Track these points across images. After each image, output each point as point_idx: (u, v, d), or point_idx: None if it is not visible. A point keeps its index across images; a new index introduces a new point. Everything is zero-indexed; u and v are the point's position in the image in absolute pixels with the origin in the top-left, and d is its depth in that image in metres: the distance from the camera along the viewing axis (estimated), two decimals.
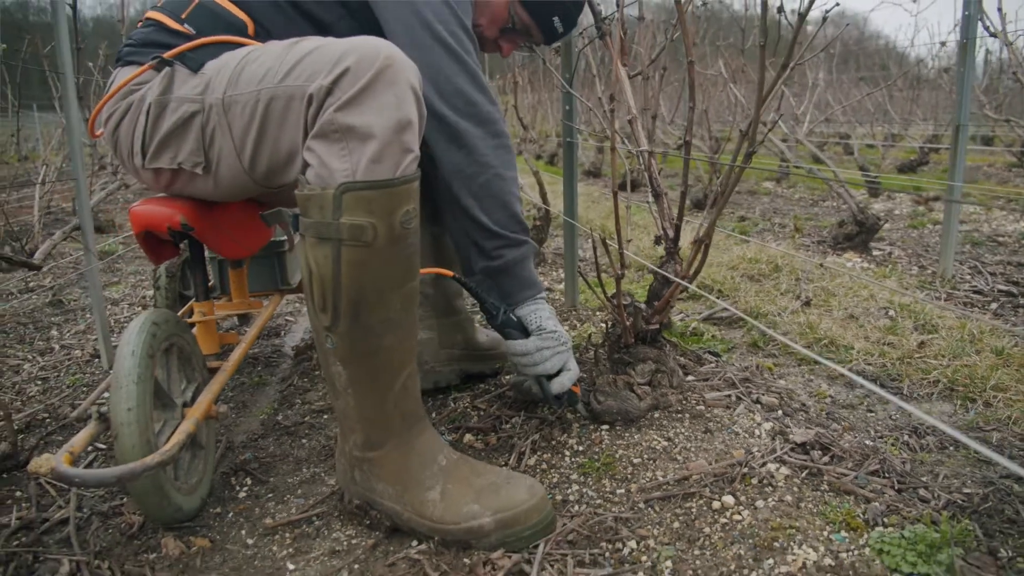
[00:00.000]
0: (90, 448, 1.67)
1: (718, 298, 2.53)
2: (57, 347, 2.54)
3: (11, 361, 2.41)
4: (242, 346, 1.70)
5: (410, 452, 1.24)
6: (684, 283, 1.43)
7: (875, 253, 3.35)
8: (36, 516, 1.38)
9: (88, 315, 2.93)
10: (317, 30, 1.43)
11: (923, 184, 5.87)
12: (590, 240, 3.78)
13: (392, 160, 1.08)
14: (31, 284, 3.68)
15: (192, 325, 1.67)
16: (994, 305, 2.44)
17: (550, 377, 1.48)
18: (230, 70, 1.25)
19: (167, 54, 1.31)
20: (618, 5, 1.68)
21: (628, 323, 1.50)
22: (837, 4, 1.53)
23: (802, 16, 1.17)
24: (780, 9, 3.41)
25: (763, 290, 2.59)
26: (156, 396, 1.32)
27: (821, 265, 2.87)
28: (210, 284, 2.06)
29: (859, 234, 3.38)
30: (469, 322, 1.87)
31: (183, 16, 1.39)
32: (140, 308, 3.01)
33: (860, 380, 0.93)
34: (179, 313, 1.97)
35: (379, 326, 1.17)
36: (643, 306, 1.54)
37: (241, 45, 1.34)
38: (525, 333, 1.47)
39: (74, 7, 2.13)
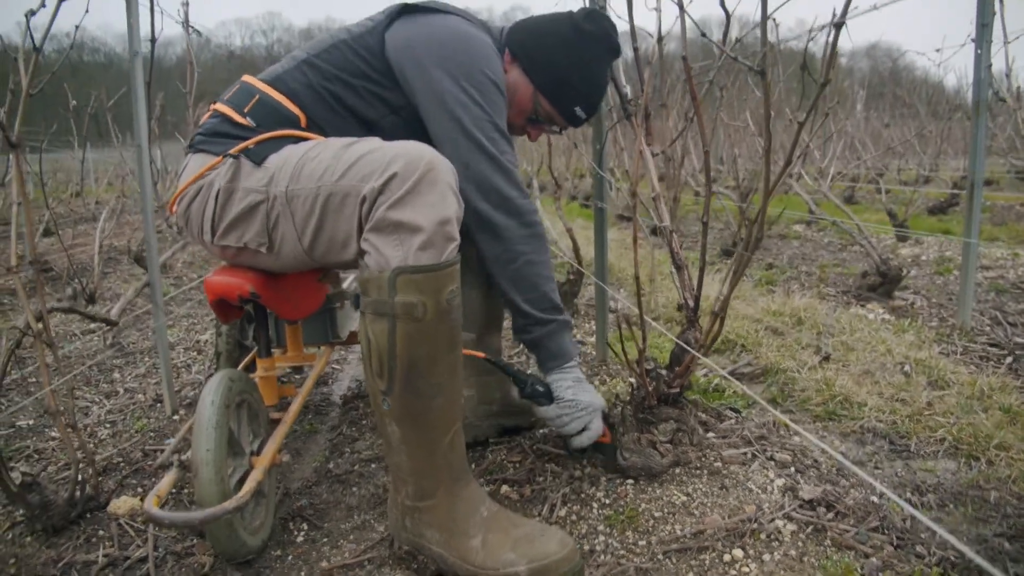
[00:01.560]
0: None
1: (741, 352, 2.66)
2: (121, 390, 2.74)
3: (80, 403, 2.61)
4: (299, 398, 1.88)
5: (456, 502, 1.41)
6: (700, 355, 1.57)
7: (898, 303, 3.44)
8: (119, 554, 1.55)
9: (147, 358, 3.14)
10: (363, 124, 1.65)
11: (952, 228, 5.94)
12: (622, 290, 3.93)
13: (437, 248, 1.29)
14: (91, 326, 3.92)
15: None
16: (1009, 359, 2.53)
17: (573, 436, 1.67)
18: (292, 165, 1.45)
19: (233, 150, 1.51)
20: (642, 89, 1.84)
21: (651, 388, 1.65)
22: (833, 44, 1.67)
23: (822, 86, 1.32)
24: (804, 67, 3.55)
25: (785, 344, 2.71)
26: (229, 444, 1.49)
27: (839, 320, 2.98)
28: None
29: (882, 284, 3.49)
30: (506, 381, 2.02)
31: (246, 110, 1.59)
32: (195, 352, 3.21)
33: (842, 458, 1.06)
34: (241, 364, 2.16)
35: (429, 389, 1.35)
36: (664, 372, 1.68)
37: (298, 139, 1.55)
38: (550, 397, 1.67)
39: (149, 84, 2.33)
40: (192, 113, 3.44)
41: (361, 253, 1.34)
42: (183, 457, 1.47)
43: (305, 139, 1.54)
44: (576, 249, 3.05)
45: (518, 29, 1.79)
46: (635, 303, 1.71)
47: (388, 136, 1.64)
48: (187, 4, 2.79)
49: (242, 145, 1.51)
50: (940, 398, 2.13)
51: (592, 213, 2.46)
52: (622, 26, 2.00)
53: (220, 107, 1.62)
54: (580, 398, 1.65)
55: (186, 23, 2.83)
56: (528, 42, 1.75)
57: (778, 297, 3.46)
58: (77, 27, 1.82)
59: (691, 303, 1.71)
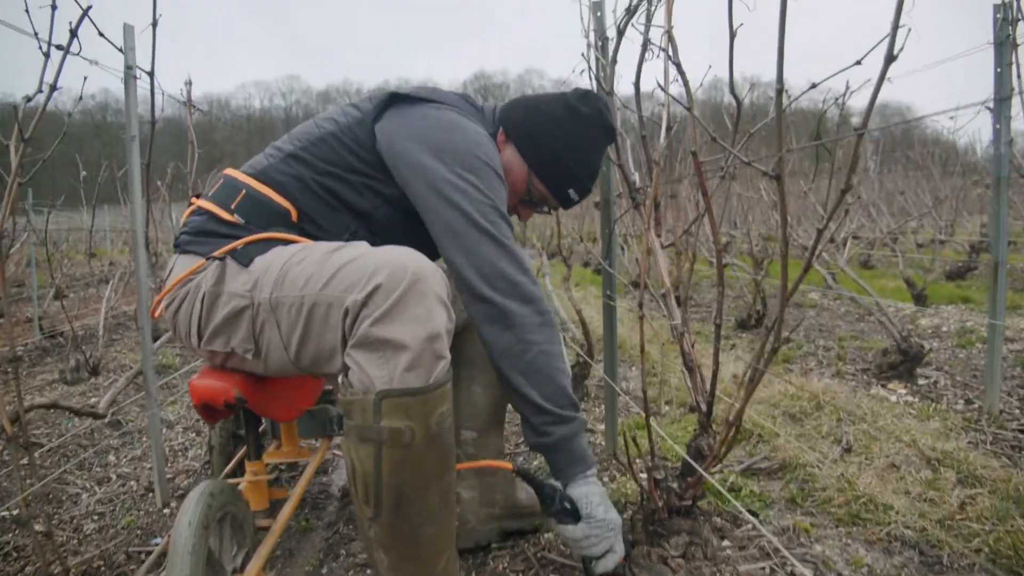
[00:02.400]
0: None
1: (758, 443, 2.54)
2: (114, 476, 2.65)
3: (70, 489, 2.52)
4: (290, 504, 1.77)
5: None
6: (711, 472, 1.47)
7: (920, 382, 3.32)
8: None
9: (144, 438, 3.05)
10: (357, 216, 1.58)
11: (971, 295, 5.81)
12: (633, 368, 3.82)
13: (425, 368, 1.21)
14: (92, 399, 3.85)
15: (242, 482, 1.76)
16: None
17: (598, 559, 1.53)
18: (276, 271, 1.38)
19: (218, 252, 1.44)
20: (651, 178, 1.77)
21: (661, 502, 1.54)
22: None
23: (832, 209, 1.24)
24: (817, 137, 3.50)
25: (804, 433, 2.59)
26: (208, 564, 1.39)
27: (860, 405, 2.86)
28: (261, 429, 2.15)
29: (903, 363, 3.37)
30: (509, 481, 1.92)
31: (232, 206, 1.53)
32: (194, 434, 3.12)
33: None
34: (231, 464, 2.06)
35: (419, 517, 1.25)
36: (675, 485, 1.57)
37: (286, 241, 1.48)
38: (576, 515, 1.51)
39: (148, 166, 2.29)
40: (192, 189, 3.40)
41: (345, 369, 1.26)
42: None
43: (293, 241, 1.47)
44: (587, 333, 2.96)
45: (512, 107, 1.74)
46: (647, 382, 1.60)
47: (383, 227, 1.59)
48: (190, 83, 2.78)
49: (228, 247, 1.45)
50: (972, 499, 2.00)
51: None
52: (626, 112, 1.96)
53: (204, 204, 1.56)
54: (610, 516, 1.51)
55: (188, 102, 2.81)
56: (522, 121, 1.70)
57: (795, 377, 3.35)
58: (69, 115, 1.79)
59: (704, 408, 1.61)
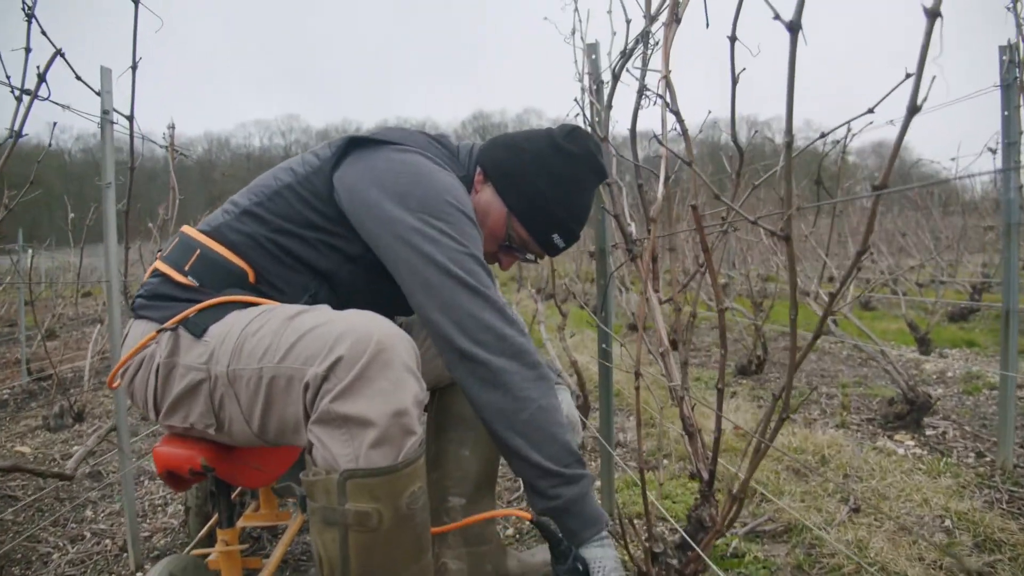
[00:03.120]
0: None
1: (761, 502, 2.42)
2: (88, 534, 2.53)
3: (41, 548, 2.40)
4: (265, 574, 1.66)
5: None
6: (705, 560, 1.36)
7: (928, 433, 3.21)
8: None
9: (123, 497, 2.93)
10: (316, 276, 1.46)
11: (976, 339, 5.72)
12: (631, 417, 3.71)
13: (393, 445, 1.11)
14: (73, 447, 3.73)
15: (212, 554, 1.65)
16: None
17: None
18: (232, 341, 1.28)
19: (169, 323, 1.35)
20: (649, 231, 1.69)
21: None
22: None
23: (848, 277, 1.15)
24: (818, 181, 3.42)
25: (809, 490, 2.47)
26: None
27: (867, 460, 2.75)
28: (237, 492, 2.04)
29: (910, 412, 3.26)
30: (500, 550, 1.80)
31: (186, 267, 1.43)
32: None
33: None
34: (203, 530, 1.95)
35: None
36: (675, 561, 1.46)
37: (244, 304, 1.37)
38: None
39: (127, 213, 2.22)
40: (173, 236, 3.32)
41: (309, 445, 1.16)
42: None
43: (251, 303, 1.37)
44: (582, 384, 2.86)
45: (492, 146, 1.61)
46: (646, 434, 1.49)
47: (347, 287, 1.48)
48: (173, 127, 2.71)
49: (179, 316, 1.35)
50: (992, 566, 1.89)
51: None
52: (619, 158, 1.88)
53: (160, 265, 1.46)
54: None
55: (171, 147, 2.74)
56: (503, 160, 1.56)
57: (799, 429, 3.23)
58: (38, 162, 1.72)
59: (705, 475, 1.50)
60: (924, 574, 1.86)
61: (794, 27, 0.91)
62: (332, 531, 1.11)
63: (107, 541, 2.45)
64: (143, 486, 3.01)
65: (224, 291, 1.39)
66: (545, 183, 1.53)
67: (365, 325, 1.16)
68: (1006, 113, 2.57)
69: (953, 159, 4.97)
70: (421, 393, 1.17)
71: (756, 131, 1.88)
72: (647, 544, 1.41)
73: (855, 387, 4.26)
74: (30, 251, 4.82)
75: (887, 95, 1.06)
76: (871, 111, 1.26)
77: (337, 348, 1.13)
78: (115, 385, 1.45)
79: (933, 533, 2.11)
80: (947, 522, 2.18)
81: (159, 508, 2.78)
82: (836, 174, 4.17)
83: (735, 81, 1.36)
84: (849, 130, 3.52)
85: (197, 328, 1.32)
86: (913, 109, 0.77)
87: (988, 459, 2.80)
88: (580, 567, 1.36)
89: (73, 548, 2.40)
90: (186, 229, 1.53)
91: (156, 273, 1.47)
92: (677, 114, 1.31)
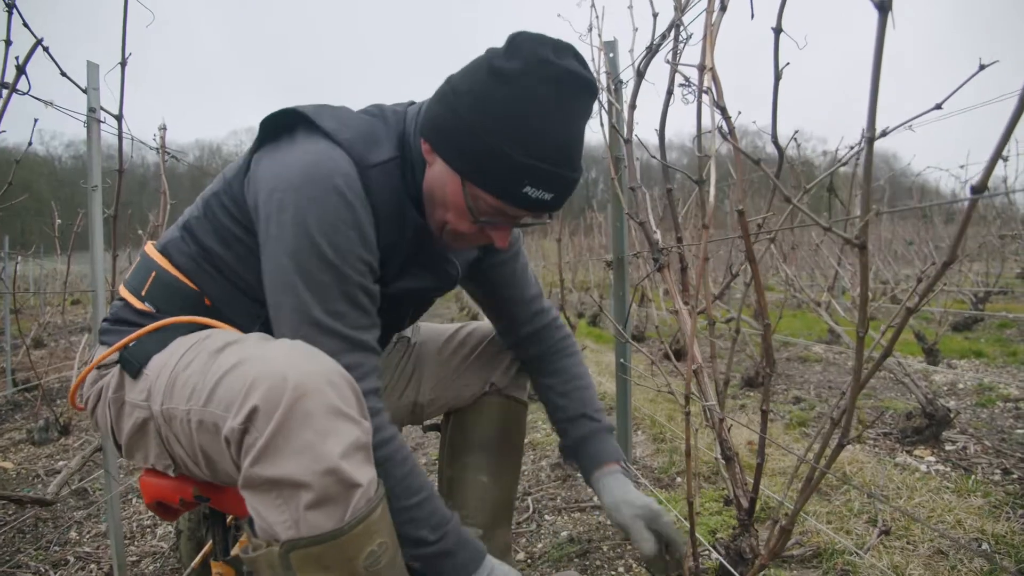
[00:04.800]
0: None
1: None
2: (72, 558, 2.39)
3: (22, 574, 2.26)
4: None
5: None
6: None
7: (948, 448, 3.10)
8: None
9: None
10: (257, 300, 1.29)
11: (983, 349, 5.63)
12: (639, 431, 3.58)
13: (336, 504, 0.95)
14: (59, 463, 3.59)
15: None
16: None
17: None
18: (166, 377, 1.16)
19: (103, 354, 1.25)
20: (679, 240, 1.57)
21: None
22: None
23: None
24: (830, 189, 3.33)
25: (833, 511, 2.35)
26: None
27: (891, 479, 2.63)
28: (229, 521, 1.91)
29: (929, 427, 3.14)
30: None
31: (143, 292, 1.32)
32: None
33: None
34: (197, 559, 1.82)
35: None
36: None
37: (191, 325, 1.26)
38: None
39: (115, 217, 2.09)
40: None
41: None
42: None
43: (201, 324, 1.25)
44: None
45: (431, 103, 1.26)
46: (657, 449, 1.37)
47: None
48: (164, 128, 2.58)
49: (116, 346, 1.23)
50: None
51: (600, 333, 2.14)
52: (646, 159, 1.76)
53: (121, 290, 1.36)
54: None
55: (162, 148, 2.61)
56: (437, 117, 1.21)
57: (815, 445, 3.11)
58: (16, 162, 1.59)
59: (745, 503, 1.38)
60: None
61: (884, 6, 0.80)
62: None
63: (92, 566, 2.32)
64: (131, 505, 2.87)
65: (180, 316, 1.27)
66: (487, 125, 1.15)
67: (283, 364, 1.00)
68: None
69: (962, 166, 4.91)
70: (363, 434, 1.01)
71: (795, 136, 1.76)
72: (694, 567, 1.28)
73: (865, 399, 4.14)
74: (18, 259, 4.67)
75: (947, 98, 0.95)
76: (939, 107, 1.15)
77: (251, 396, 0.97)
78: (80, 407, 1.33)
79: (972, 558, 1.99)
80: (984, 545, 2.06)
81: (147, 530, 2.64)
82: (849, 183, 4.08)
83: (778, 76, 1.25)
84: (862, 136, 3.43)
85: (134, 364, 1.21)
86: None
87: (1015, 476, 2.69)
88: None
89: (56, 574, 2.26)
90: (147, 247, 1.41)
91: (119, 297, 1.37)
92: (724, 110, 1.20)
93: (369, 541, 0.98)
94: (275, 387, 0.96)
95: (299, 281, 1.15)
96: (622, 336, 1.94)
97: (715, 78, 1.19)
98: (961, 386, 4.45)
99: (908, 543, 2.10)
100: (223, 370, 1.06)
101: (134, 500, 2.91)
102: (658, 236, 1.68)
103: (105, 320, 1.35)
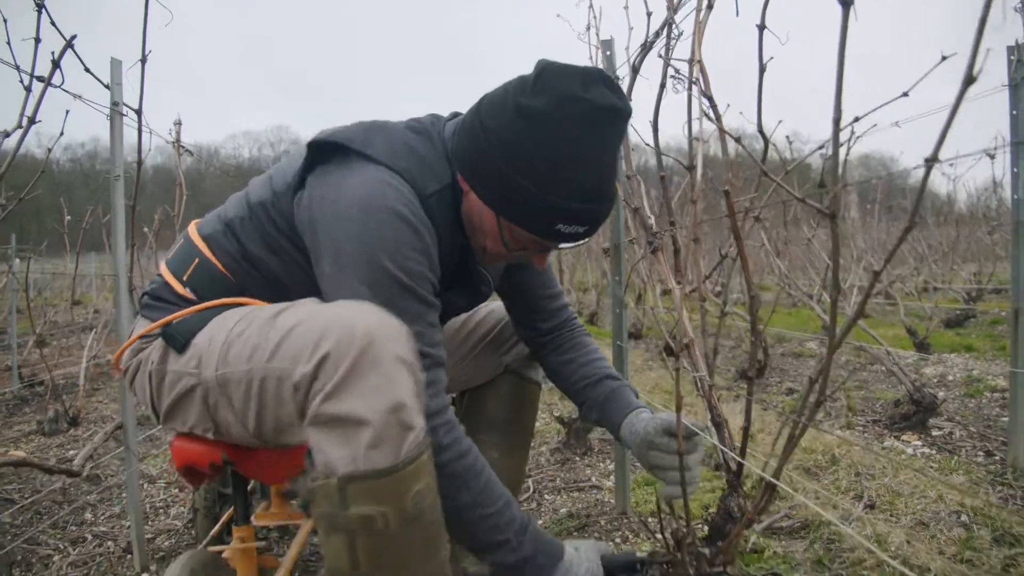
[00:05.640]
0: None
1: (776, 499, 2.40)
2: (90, 536, 2.48)
3: (41, 550, 2.35)
4: (281, 573, 1.63)
5: None
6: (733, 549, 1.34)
7: (935, 433, 3.20)
8: None
9: (124, 495, 2.88)
10: (299, 296, 1.34)
11: (974, 343, 5.73)
12: None
13: (392, 444, 1.04)
14: (71, 451, 3.68)
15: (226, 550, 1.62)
16: None
17: None
18: (219, 345, 1.24)
19: (150, 327, 1.35)
20: (672, 223, 1.67)
21: (692, 571, 1.40)
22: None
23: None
24: (821, 184, 3.43)
25: (822, 488, 2.46)
26: None
27: (878, 459, 2.74)
28: (250, 488, 2.01)
29: (916, 413, 3.25)
30: None
31: (185, 278, 1.41)
32: (178, 489, 2.95)
33: None
34: (216, 527, 1.92)
35: None
36: (706, 551, 1.44)
37: (228, 306, 1.34)
38: None
39: (133, 208, 2.19)
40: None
41: (308, 449, 1.11)
42: None
43: (236, 304, 1.34)
44: None
45: (461, 134, 1.31)
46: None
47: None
48: (179, 124, 2.68)
49: (162, 321, 1.33)
50: (1013, 559, 1.87)
51: (598, 331, 2.24)
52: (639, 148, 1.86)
53: (163, 270, 1.45)
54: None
55: (177, 143, 2.71)
56: (468, 153, 1.27)
57: (807, 434, 3.22)
58: (50, 150, 1.69)
59: (733, 465, 1.49)
60: (947, 567, 1.84)
61: (846, 3, 0.90)
62: (337, 537, 1.06)
63: (109, 543, 2.41)
64: (143, 489, 2.96)
65: None
66: (516, 167, 1.20)
67: (351, 317, 1.09)
68: (1015, 112, 2.58)
69: (951, 164, 5.02)
70: (417, 385, 1.09)
71: (780, 125, 1.87)
72: (680, 529, 1.38)
73: (856, 391, 4.25)
74: (29, 258, 4.75)
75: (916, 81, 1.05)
76: (906, 95, 1.25)
77: (323, 345, 1.06)
78: (117, 372, 1.43)
79: (951, 528, 2.10)
80: (963, 517, 2.17)
81: (160, 511, 2.73)
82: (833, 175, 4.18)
83: (763, 69, 1.35)
84: (853, 132, 3.53)
85: (179, 340, 1.30)
86: (968, 81, 0.76)
87: (998, 457, 2.79)
88: None
89: (75, 550, 2.36)
90: (191, 229, 1.51)
91: (159, 275, 1.47)
92: (711, 99, 1.30)
93: (417, 481, 1.07)
94: (346, 336, 1.05)
95: (384, 308, 1.18)
96: (618, 304, 2.04)
97: (703, 70, 1.29)
98: (951, 377, 4.55)
99: (891, 516, 2.21)
100: (286, 328, 1.15)
101: (145, 485, 3.01)
102: (652, 221, 1.78)
103: (145, 294, 1.45)
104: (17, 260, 6.16)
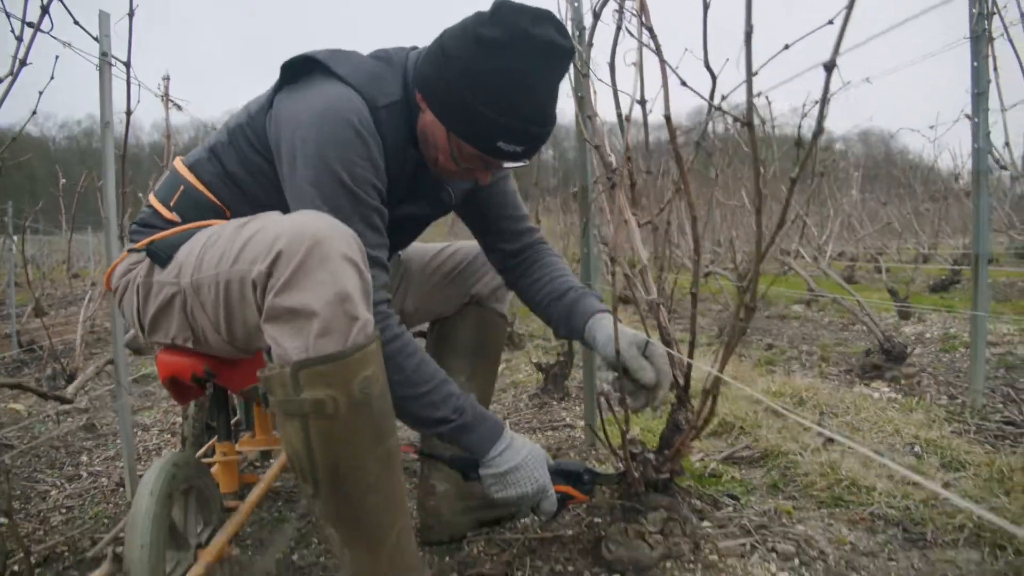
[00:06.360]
0: None
1: (739, 435, 2.51)
2: (85, 474, 2.60)
3: (39, 487, 2.46)
4: (260, 487, 1.73)
5: None
6: (690, 437, 1.44)
7: (903, 381, 3.30)
8: None
9: (119, 440, 2.99)
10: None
11: (955, 305, 5.83)
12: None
13: (339, 332, 1.15)
14: (67, 407, 3.78)
15: (213, 464, 1.72)
16: None
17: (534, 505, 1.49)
18: (195, 254, 1.36)
19: (140, 243, 1.46)
20: (628, 159, 1.76)
21: (637, 473, 1.51)
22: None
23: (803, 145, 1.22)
24: (798, 143, 3.50)
25: (786, 426, 2.56)
26: (171, 536, 1.35)
27: (843, 400, 2.84)
28: (235, 421, 2.11)
29: (887, 362, 3.35)
30: None
31: (172, 203, 1.52)
32: (170, 435, 3.06)
33: None
34: (202, 450, 2.02)
35: (358, 489, 1.21)
36: (652, 456, 1.54)
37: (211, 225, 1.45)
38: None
39: (123, 157, 2.27)
40: None
41: (267, 346, 1.21)
42: (118, 550, 1.32)
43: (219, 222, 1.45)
44: None
45: (424, 61, 1.44)
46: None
47: None
48: (168, 78, 2.76)
49: (147, 239, 1.45)
50: (956, 480, 1.98)
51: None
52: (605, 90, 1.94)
53: (152, 200, 1.56)
54: (505, 496, 1.45)
55: (166, 96, 2.79)
56: (428, 76, 1.41)
57: (778, 377, 3.33)
58: (40, 93, 1.77)
59: (681, 381, 1.58)
60: (893, 488, 1.95)
61: None
62: (294, 422, 1.17)
63: (103, 479, 2.52)
64: (137, 436, 3.07)
65: None
66: (470, 89, 1.34)
67: (305, 221, 1.19)
68: (975, 64, 2.66)
69: (932, 127, 5.09)
70: (363, 283, 1.19)
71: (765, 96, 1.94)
72: (626, 442, 1.48)
73: (835, 347, 4.35)
74: (22, 228, 4.82)
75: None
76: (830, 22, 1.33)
77: (277, 244, 1.16)
78: (108, 288, 1.54)
79: (904, 456, 2.20)
80: (917, 448, 2.27)
81: (153, 452, 2.85)
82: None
83: (706, 5, 1.43)
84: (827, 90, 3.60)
85: (162, 256, 1.41)
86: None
87: (959, 401, 2.89)
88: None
89: (71, 486, 2.46)
90: (176, 162, 1.62)
91: (148, 205, 1.57)
92: (651, 30, 1.38)
93: (364, 368, 1.17)
94: (297, 236, 1.16)
95: (323, 205, 1.33)
96: (584, 254, 2.13)
97: (643, 4, 1.38)
98: (928, 335, 4.65)
99: (848, 448, 2.31)
100: (249, 234, 1.26)
101: (139, 432, 3.11)
102: (612, 158, 1.87)
103: (135, 223, 1.55)
104: (15, 238, 6.24)
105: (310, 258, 1.14)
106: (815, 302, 6.37)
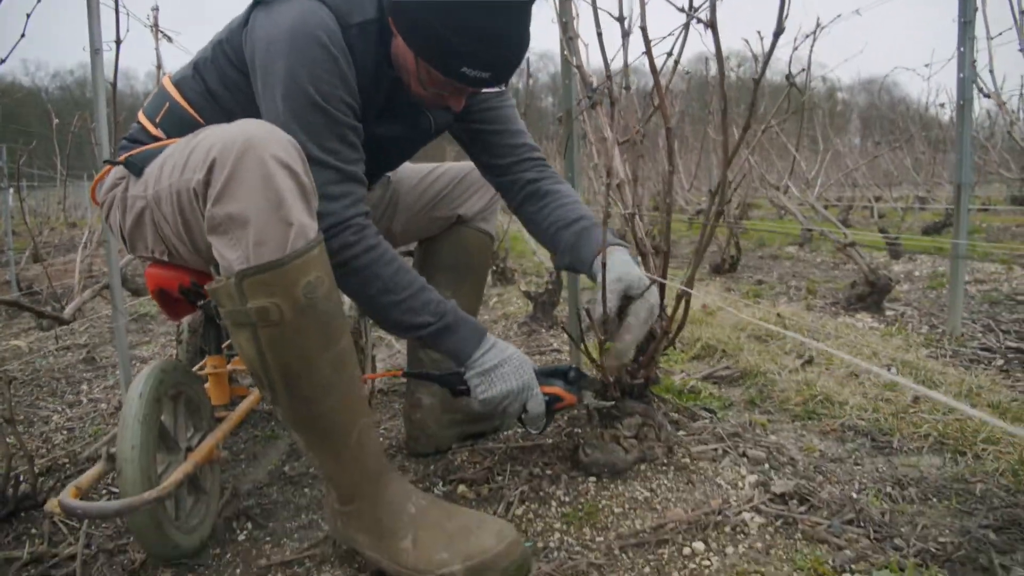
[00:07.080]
0: (104, 492, 1.76)
1: (721, 358, 2.57)
2: (85, 400, 2.67)
3: (41, 412, 2.53)
4: (250, 398, 1.79)
5: (378, 504, 1.32)
6: (665, 343, 1.49)
7: (888, 313, 3.36)
8: (47, 551, 1.46)
9: (118, 372, 3.05)
10: None
11: (946, 246, 5.86)
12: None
13: (275, 239, 1.15)
14: (67, 343, 3.85)
15: (205, 377, 1.78)
16: (1000, 361, 2.45)
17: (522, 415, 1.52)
18: (158, 167, 1.38)
19: (121, 157, 1.49)
20: (608, 77, 1.78)
21: (612, 379, 1.56)
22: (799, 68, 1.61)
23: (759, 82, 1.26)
24: (788, 76, 3.51)
25: (767, 350, 2.62)
26: (161, 439, 1.41)
27: (825, 326, 2.90)
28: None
29: (871, 294, 3.40)
30: None
31: (157, 120, 1.54)
32: None
33: None
34: (197, 366, 2.08)
35: (312, 392, 1.25)
36: (628, 364, 1.60)
37: None
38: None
39: (114, 86, 2.29)
40: None
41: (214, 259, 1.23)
42: (112, 450, 1.38)
43: None
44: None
45: None
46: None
47: None
48: (157, 9, 2.76)
49: (126, 154, 1.48)
50: (926, 397, 2.04)
51: None
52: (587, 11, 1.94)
53: (140, 117, 1.58)
54: (491, 395, 1.46)
55: (155, 27, 2.79)
56: (402, 4, 1.40)
57: (764, 306, 3.38)
58: (28, 15, 1.78)
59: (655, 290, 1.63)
60: (865, 403, 2.01)
61: None
62: (244, 332, 1.19)
63: (103, 404, 2.59)
64: (135, 367, 3.14)
65: None
66: (436, 14, 1.34)
67: (239, 128, 1.18)
68: None
69: (927, 65, 5.08)
70: (300, 186, 1.19)
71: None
72: (602, 339, 1.53)
73: (824, 283, 4.41)
74: (20, 178, 4.80)
75: None
76: None
77: (212, 152, 1.16)
78: (97, 203, 1.58)
79: (878, 377, 2.26)
80: (892, 369, 2.33)
81: None
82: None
83: None
84: (819, 24, 3.59)
85: (137, 167, 1.44)
86: None
87: (940, 331, 2.95)
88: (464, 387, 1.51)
89: (71, 411, 2.53)
90: (165, 80, 1.63)
91: (137, 122, 1.59)
92: None
93: (305, 274, 1.18)
94: (230, 142, 1.16)
95: (294, 123, 1.33)
96: (570, 168, 2.16)
97: None
98: (917, 274, 4.71)
99: (826, 369, 2.37)
100: (195, 144, 1.27)
101: (137, 364, 3.18)
102: (593, 80, 1.89)
103: (124, 139, 1.58)
104: (11, 191, 6.23)
105: (241, 164, 1.14)
106: (808, 243, 6.41)
